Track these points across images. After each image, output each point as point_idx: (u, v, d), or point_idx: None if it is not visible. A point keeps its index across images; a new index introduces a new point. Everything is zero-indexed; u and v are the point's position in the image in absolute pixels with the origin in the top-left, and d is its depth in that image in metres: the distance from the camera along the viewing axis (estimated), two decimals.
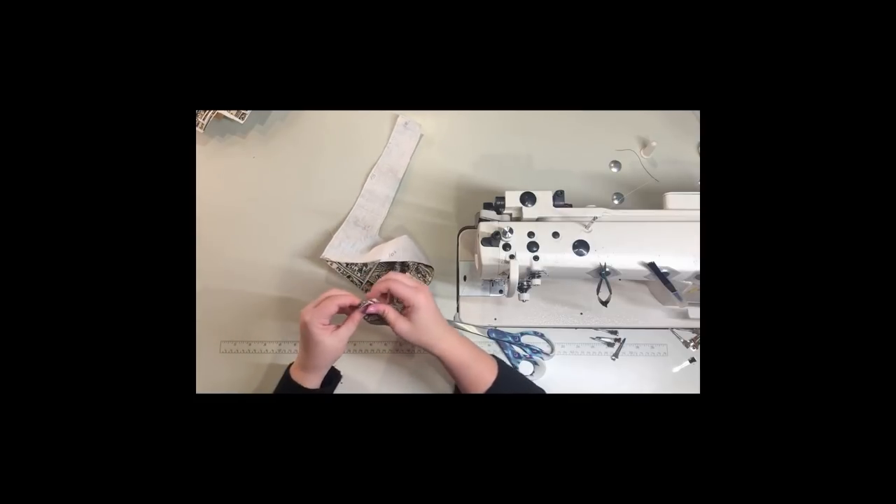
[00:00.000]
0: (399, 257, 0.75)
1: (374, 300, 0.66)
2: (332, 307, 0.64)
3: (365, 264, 0.80)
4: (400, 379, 0.79)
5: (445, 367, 0.68)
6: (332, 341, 0.64)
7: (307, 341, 0.65)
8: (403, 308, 0.66)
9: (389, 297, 0.67)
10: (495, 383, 0.66)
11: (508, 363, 0.77)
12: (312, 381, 0.68)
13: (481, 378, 0.66)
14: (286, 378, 0.69)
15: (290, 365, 0.70)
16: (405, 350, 0.79)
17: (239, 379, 0.78)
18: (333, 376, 0.72)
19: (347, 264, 0.80)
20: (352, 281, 0.80)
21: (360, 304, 0.66)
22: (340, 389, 0.75)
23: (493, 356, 0.71)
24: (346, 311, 0.67)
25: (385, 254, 0.75)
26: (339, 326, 0.65)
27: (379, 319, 0.67)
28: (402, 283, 0.65)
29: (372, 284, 0.80)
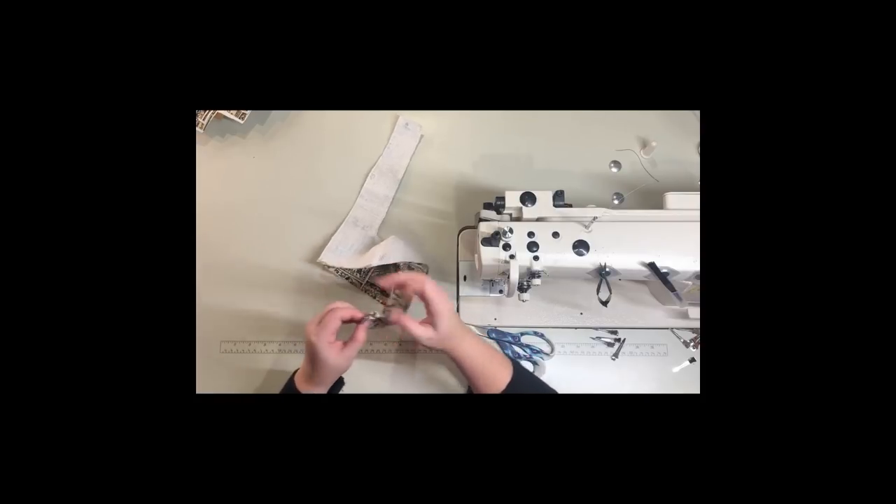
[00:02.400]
0: (389, 259, 0.75)
1: (375, 315, 0.66)
2: (336, 322, 0.63)
3: None
4: (401, 379, 0.79)
5: (461, 368, 0.67)
6: (340, 360, 0.64)
7: (314, 359, 0.64)
8: (425, 317, 0.66)
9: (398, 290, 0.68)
10: (510, 384, 0.66)
11: None
12: (318, 392, 0.68)
13: (496, 379, 0.66)
14: (290, 387, 0.68)
15: (295, 372, 0.70)
16: (407, 350, 0.79)
17: (239, 379, 0.78)
18: (337, 382, 0.72)
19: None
20: (350, 282, 0.80)
21: (362, 319, 0.65)
22: (343, 390, 0.75)
23: (507, 355, 0.71)
24: (353, 321, 0.66)
25: (375, 258, 0.75)
26: (345, 343, 0.64)
27: (379, 322, 0.67)
28: (434, 290, 0.64)
29: (372, 285, 0.80)
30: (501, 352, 0.70)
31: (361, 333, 0.65)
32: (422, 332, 0.64)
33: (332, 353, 0.63)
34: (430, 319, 0.64)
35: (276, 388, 0.77)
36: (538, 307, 0.80)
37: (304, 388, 0.67)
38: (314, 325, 0.63)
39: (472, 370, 0.66)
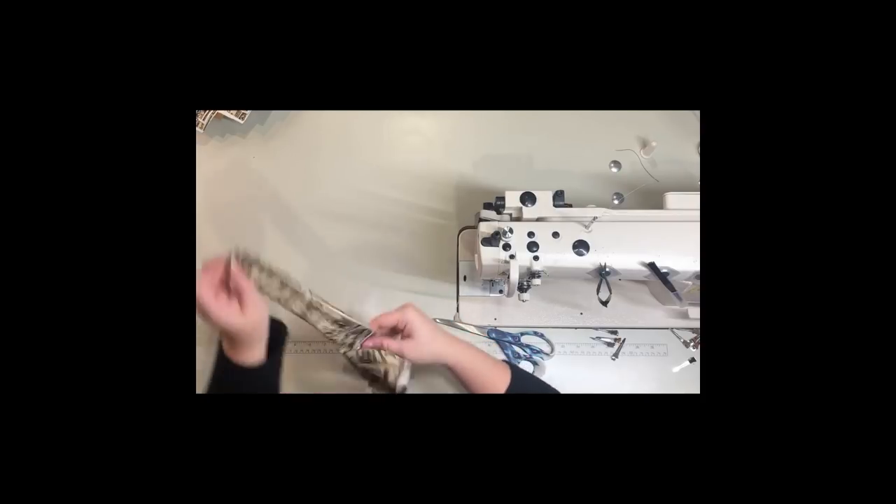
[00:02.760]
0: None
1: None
2: (209, 289, 0.55)
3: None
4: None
5: (456, 376, 0.67)
6: (245, 320, 0.56)
7: (221, 330, 0.57)
8: (402, 335, 0.66)
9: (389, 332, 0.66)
10: (510, 389, 0.66)
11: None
12: (256, 356, 0.59)
13: (493, 385, 0.66)
14: (223, 361, 0.59)
15: (220, 342, 0.60)
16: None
17: None
18: (276, 334, 0.63)
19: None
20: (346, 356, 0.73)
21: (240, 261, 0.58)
22: (339, 390, 0.75)
23: (506, 361, 0.70)
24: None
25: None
26: (237, 300, 0.57)
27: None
28: (385, 314, 0.65)
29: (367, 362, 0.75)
30: (497, 358, 0.69)
31: (242, 282, 0.57)
32: (399, 344, 0.64)
33: (234, 317, 0.55)
34: (406, 334, 0.65)
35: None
36: (538, 307, 0.80)
37: (235, 356, 0.58)
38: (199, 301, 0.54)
39: (466, 376, 0.66)
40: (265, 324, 0.60)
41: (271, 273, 0.61)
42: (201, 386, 0.75)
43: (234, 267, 0.57)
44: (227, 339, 0.59)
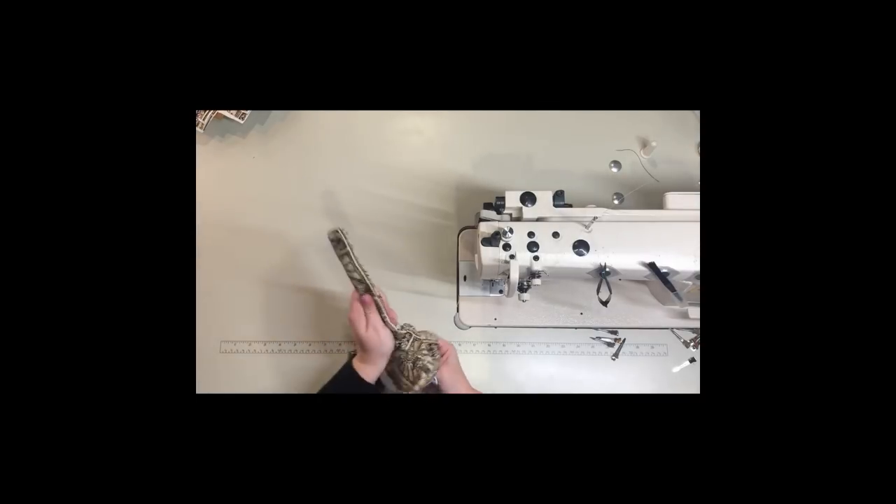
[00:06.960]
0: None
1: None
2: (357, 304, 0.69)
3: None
4: None
5: None
6: (370, 334, 0.67)
7: (356, 338, 0.69)
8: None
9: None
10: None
11: None
12: (369, 374, 0.69)
13: None
14: (347, 367, 0.71)
15: (353, 355, 0.72)
16: None
17: (239, 379, 0.78)
18: (386, 383, 0.75)
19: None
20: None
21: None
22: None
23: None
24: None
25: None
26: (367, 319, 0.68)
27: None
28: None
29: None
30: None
31: (367, 299, 0.69)
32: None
33: (362, 331, 0.67)
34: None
35: (275, 388, 0.77)
36: (538, 307, 0.80)
37: (358, 366, 0.70)
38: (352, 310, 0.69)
39: None
40: (380, 349, 0.68)
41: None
42: (201, 386, 0.75)
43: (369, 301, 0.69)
44: (360, 351, 0.70)
